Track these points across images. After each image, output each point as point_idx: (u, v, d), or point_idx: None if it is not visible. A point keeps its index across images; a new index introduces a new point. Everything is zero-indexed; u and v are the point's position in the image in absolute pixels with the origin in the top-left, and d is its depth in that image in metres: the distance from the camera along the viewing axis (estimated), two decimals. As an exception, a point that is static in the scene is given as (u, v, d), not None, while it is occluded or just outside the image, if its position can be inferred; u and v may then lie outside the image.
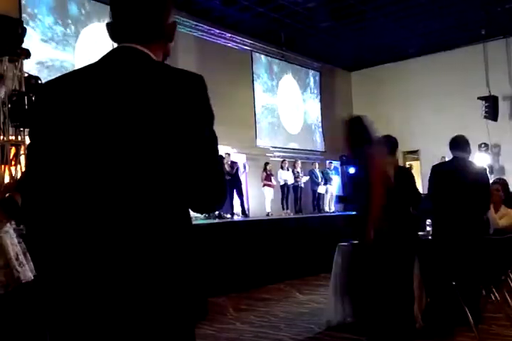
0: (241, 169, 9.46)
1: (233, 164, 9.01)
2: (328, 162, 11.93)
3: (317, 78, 13.17)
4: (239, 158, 9.86)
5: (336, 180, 11.91)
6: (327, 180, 11.17)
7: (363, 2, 9.43)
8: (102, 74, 1.08)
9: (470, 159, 3.88)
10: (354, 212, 3.32)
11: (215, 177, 1.08)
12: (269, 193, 10.11)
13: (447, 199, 3.57)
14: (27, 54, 5.84)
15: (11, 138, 5.51)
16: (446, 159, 4.61)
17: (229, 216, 8.58)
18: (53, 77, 1.13)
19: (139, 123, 1.02)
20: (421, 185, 7.56)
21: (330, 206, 11.29)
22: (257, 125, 11.27)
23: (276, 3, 9.39)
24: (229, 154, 9.02)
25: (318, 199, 10.91)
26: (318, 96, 13.17)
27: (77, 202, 1.02)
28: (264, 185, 10.05)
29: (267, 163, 10.16)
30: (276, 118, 11.91)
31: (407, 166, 9.33)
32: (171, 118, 1.03)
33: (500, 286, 3.66)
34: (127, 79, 1.06)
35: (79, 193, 1.02)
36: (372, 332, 3.41)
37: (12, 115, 5.34)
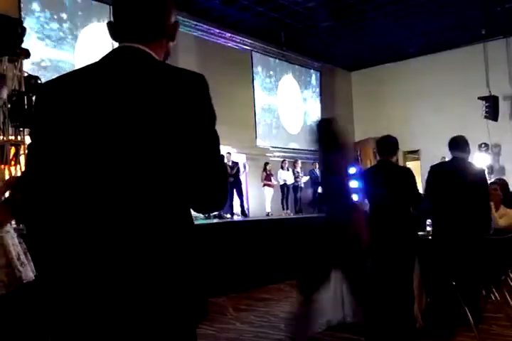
0: (241, 169, 9.47)
1: (234, 164, 9.01)
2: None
3: (317, 78, 13.17)
4: (239, 158, 9.86)
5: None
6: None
7: (363, 2, 9.43)
8: (104, 73, 1.07)
9: (470, 159, 3.88)
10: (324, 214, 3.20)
11: (217, 177, 1.08)
12: (269, 193, 10.12)
13: (446, 200, 3.57)
14: (26, 54, 5.85)
15: (10, 138, 5.52)
16: (447, 159, 4.61)
17: (229, 216, 8.59)
18: (52, 77, 1.13)
19: (140, 123, 1.01)
20: (421, 186, 7.56)
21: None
22: (257, 125, 11.28)
23: (276, 2, 9.39)
24: (230, 153, 9.01)
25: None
26: (319, 96, 13.18)
27: (77, 202, 1.02)
28: (264, 185, 10.06)
29: (266, 163, 10.17)
30: (277, 118, 11.91)
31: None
32: (173, 118, 1.03)
33: (501, 286, 3.66)
34: (129, 78, 1.05)
35: (80, 193, 1.02)
36: (372, 333, 3.41)
37: (12, 115, 5.35)
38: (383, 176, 3.48)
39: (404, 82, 12.68)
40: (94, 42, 7.87)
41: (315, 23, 10.35)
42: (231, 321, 4.23)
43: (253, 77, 11.38)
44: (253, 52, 11.31)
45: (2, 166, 5.21)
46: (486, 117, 10.80)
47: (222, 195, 1.11)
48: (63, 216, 1.02)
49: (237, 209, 9.08)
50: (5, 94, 1.94)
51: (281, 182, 10.20)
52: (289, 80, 12.41)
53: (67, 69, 6.74)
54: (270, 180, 10.06)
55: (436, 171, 3.79)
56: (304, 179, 10.63)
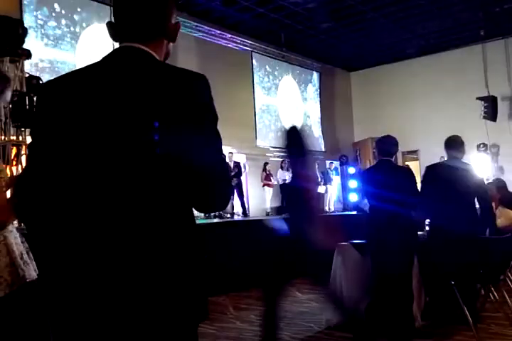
0: (241, 169, 9.49)
1: (236, 164, 9.01)
2: (329, 162, 11.96)
3: (317, 78, 13.19)
4: (239, 158, 9.88)
5: (337, 181, 11.94)
6: (327, 180, 11.19)
7: (363, 3, 9.46)
8: (105, 73, 1.07)
9: (469, 159, 3.91)
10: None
11: (220, 177, 1.08)
12: (268, 193, 10.14)
13: (442, 199, 3.58)
14: (28, 54, 5.87)
15: (12, 138, 5.54)
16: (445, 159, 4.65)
17: (229, 215, 8.61)
18: (53, 77, 1.13)
19: (142, 123, 1.01)
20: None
21: (330, 206, 11.32)
22: (256, 125, 11.30)
23: (277, 3, 9.41)
24: (232, 153, 9.01)
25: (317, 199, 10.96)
26: (318, 97, 13.19)
27: (78, 201, 1.02)
28: (264, 185, 10.08)
29: (266, 163, 10.19)
30: (276, 118, 11.93)
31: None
32: (175, 118, 1.02)
33: (499, 286, 3.69)
34: (131, 78, 1.04)
35: (80, 192, 1.01)
36: (360, 331, 3.42)
37: (13, 115, 5.37)
38: (383, 176, 3.50)
39: (404, 82, 12.70)
40: (95, 43, 7.89)
41: (315, 24, 10.38)
42: (231, 320, 4.25)
43: (253, 77, 11.40)
44: (253, 53, 11.34)
45: (4, 166, 5.23)
46: (484, 117, 10.82)
47: (224, 195, 1.12)
48: (64, 215, 1.02)
49: (237, 209, 9.10)
50: (9, 95, 1.94)
51: (281, 182, 10.22)
52: (288, 81, 12.44)
53: (68, 70, 6.75)
54: (270, 180, 10.09)
55: (431, 171, 3.81)
56: (304, 179, 10.65)
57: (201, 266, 1.08)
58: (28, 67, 6.63)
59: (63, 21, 7.83)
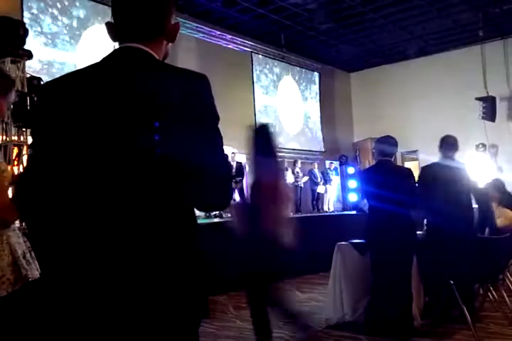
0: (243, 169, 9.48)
1: (238, 164, 8.98)
2: (329, 162, 11.98)
3: (317, 79, 13.21)
4: (239, 158, 9.88)
5: (336, 181, 11.95)
6: (326, 180, 11.22)
7: (362, 4, 9.48)
8: (106, 73, 1.07)
9: (468, 160, 3.94)
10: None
11: (221, 176, 1.08)
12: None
13: (441, 199, 3.60)
14: (29, 55, 5.89)
15: (13, 138, 5.55)
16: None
17: (229, 215, 8.61)
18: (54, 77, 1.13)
19: (143, 123, 1.01)
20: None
21: (329, 206, 11.34)
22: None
23: (277, 4, 9.43)
24: (234, 153, 8.98)
25: (317, 199, 10.97)
26: (318, 97, 13.21)
27: (79, 200, 1.02)
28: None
29: (266, 163, 10.18)
30: (276, 118, 11.95)
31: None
32: (176, 118, 1.02)
33: (498, 285, 3.70)
34: (131, 78, 1.04)
35: (81, 191, 1.02)
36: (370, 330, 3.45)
37: (15, 115, 5.38)
38: (383, 176, 3.51)
39: (403, 83, 12.73)
40: (96, 43, 7.91)
41: (315, 25, 10.39)
42: (231, 319, 4.25)
43: (253, 78, 11.42)
44: (253, 54, 11.36)
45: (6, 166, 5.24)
46: (483, 118, 10.83)
47: (226, 194, 1.12)
48: (64, 214, 1.02)
49: (237, 209, 9.08)
50: (13, 96, 1.96)
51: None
52: (288, 81, 12.45)
53: (68, 70, 6.76)
54: (270, 180, 10.08)
55: (428, 171, 3.84)
56: (304, 179, 10.67)
57: (201, 264, 1.08)
58: (30, 67, 6.65)
59: (63, 21, 7.85)
